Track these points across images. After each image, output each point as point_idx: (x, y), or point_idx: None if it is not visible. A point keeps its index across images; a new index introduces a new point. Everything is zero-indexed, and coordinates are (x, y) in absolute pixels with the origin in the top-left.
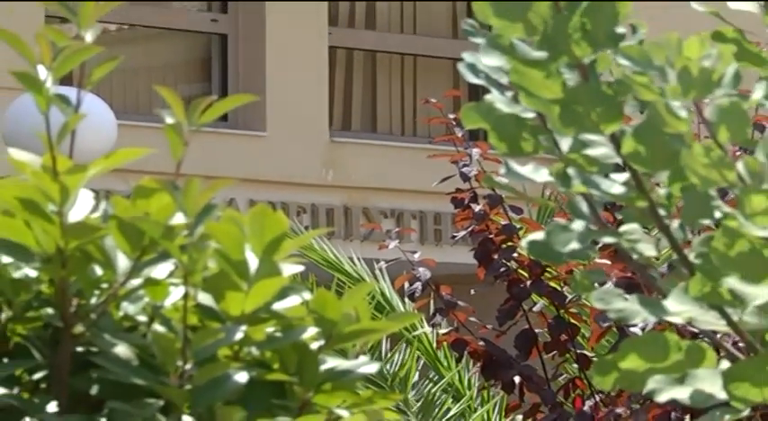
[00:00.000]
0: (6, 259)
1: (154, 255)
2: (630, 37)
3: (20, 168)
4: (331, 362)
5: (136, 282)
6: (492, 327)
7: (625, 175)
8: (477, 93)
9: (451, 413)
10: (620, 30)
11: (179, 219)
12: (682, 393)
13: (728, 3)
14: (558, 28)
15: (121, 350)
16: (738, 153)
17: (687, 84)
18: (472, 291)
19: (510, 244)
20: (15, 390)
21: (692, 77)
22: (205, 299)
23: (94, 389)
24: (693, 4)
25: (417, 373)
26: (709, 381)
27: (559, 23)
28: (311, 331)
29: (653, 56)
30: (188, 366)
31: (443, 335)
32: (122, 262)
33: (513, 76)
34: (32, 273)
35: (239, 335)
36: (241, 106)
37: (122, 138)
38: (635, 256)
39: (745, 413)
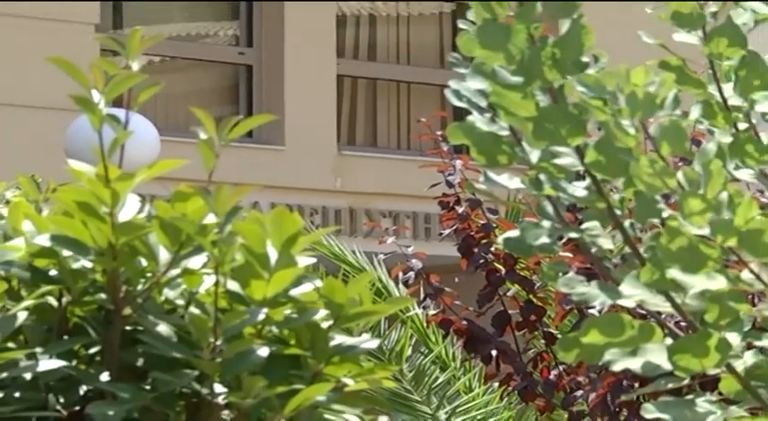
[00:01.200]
0: (66, 252)
1: (190, 249)
2: (593, 64)
3: (78, 176)
4: (339, 339)
5: (175, 271)
6: (473, 309)
7: (587, 182)
8: (460, 114)
9: (439, 381)
10: (585, 59)
11: (211, 219)
12: (634, 364)
13: (673, 35)
14: (532, 57)
15: (163, 329)
16: (680, 163)
17: (634, 106)
18: (456, 279)
19: (488, 240)
20: (74, 363)
21: (638, 101)
22: (233, 286)
23: (140, 362)
24: (643, 37)
25: (410, 348)
26: (656, 354)
27: (534, 53)
28: (322, 313)
29: (606, 83)
30: (219, 342)
31: (432, 315)
32: (163, 255)
33: (493, 98)
34: (88, 265)
35: (261, 316)
36: (264, 124)
37: (164, 151)
38: (594, 249)
39: (686, 381)
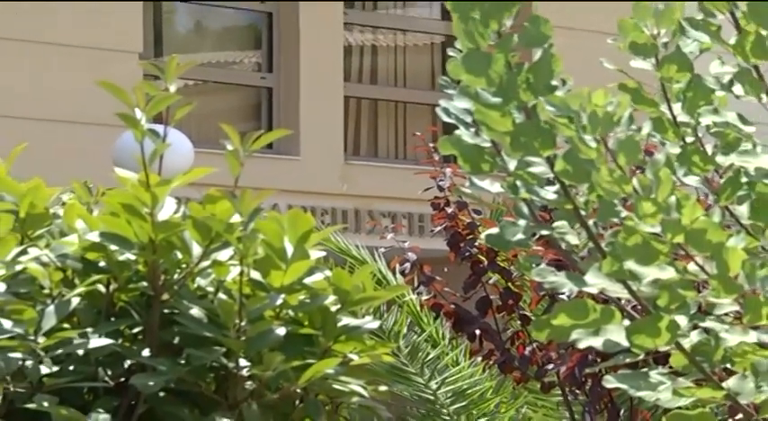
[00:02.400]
0: (113, 247)
1: (218, 244)
2: (561, 87)
3: (123, 182)
4: (345, 321)
5: (206, 263)
6: (459, 295)
7: (556, 187)
8: (449, 129)
9: (431, 356)
10: (554, 82)
11: (236, 218)
12: (597, 342)
13: (631, 62)
14: (509, 81)
15: (196, 312)
16: (636, 171)
17: (595, 123)
18: (445, 269)
19: (472, 236)
20: (120, 341)
21: (598, 119)
22: (255, 275)
23: (176, 340)
24: (604, 63)
25: (406, 328)
26: (616, 334)
27: (511, 78)
28: (331, 298)
29: (571, 103)
30: (243, 323)
31: (425, 300)
32: (196, 249)
33: (477, 115)
34: (132, 257)
35: (279, 301)
36: (282, 137)
37: (196, 161)
38: (563, 244)
39: (641, 357)
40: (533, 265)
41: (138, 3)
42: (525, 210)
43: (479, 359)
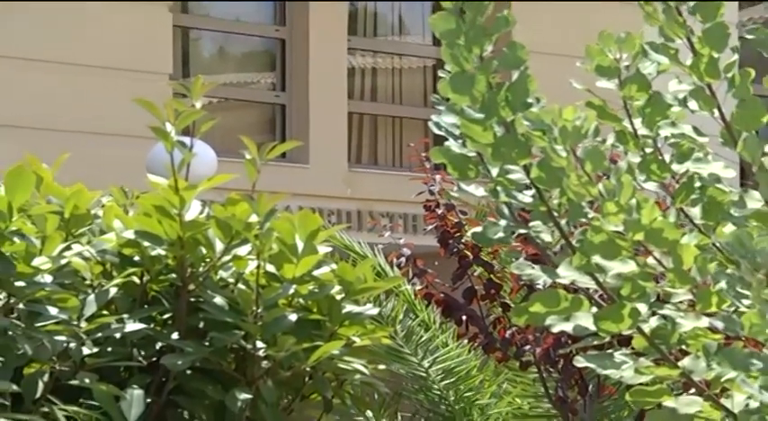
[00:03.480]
0: (146, 243)
1: (238, 240)
2: (536, 104)
3: (155, 187)
4: (349, 308)
5: (227, 257)
6: (448, 285)
7: (532, 191)
8: (440, 141)
9: (423, 339)
10: (530, 100)
11: (254, 218)
12: (568, 326)
13: (597, 82)
14: (491, 99)
15: (218, 300)
16: (603, 178)
17: (565, 136)
18: (436, 263)
19: (459, 234)
20: (152, 325)
21: (568, 132)
22: (270, 268)
23: (201, 325)
24: (573, 84)
25: (402, 314)
26: (585, 319)
27: (492, 96)
28: (336, 288)
29: (545, 118)
30: (260, 310)
31: (418, 290)
32: (218, 245)
33: (462, 129)
34: (163, 252)
35: (291, 291)
36: (293, 148)
37: (219, 168)
38: (539, 241)
39: (607, 339)
40: (513, 260)
41: (168, 29)
42: (506, 211)
43: (466, 341)
